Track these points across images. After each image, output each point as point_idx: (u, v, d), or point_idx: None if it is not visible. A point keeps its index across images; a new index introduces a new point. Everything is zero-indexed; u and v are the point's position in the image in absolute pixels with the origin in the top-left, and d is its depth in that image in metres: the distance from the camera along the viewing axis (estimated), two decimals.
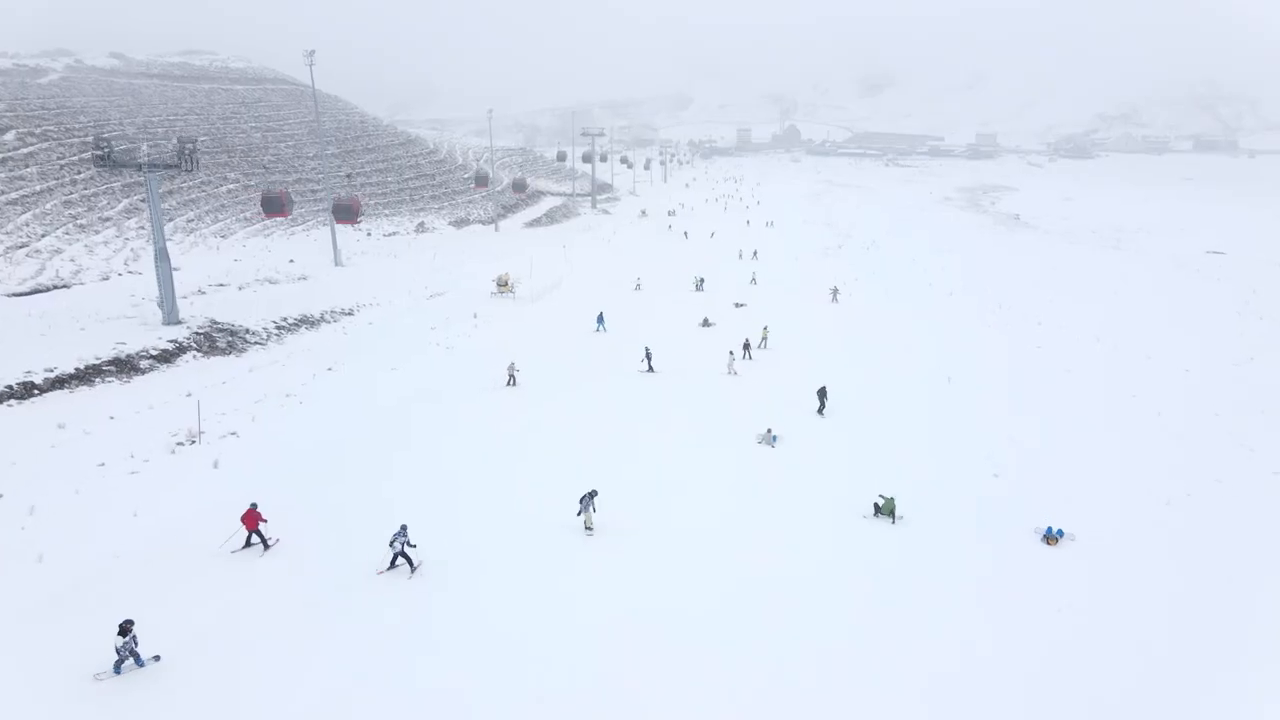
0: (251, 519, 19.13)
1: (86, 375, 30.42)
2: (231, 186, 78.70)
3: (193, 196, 72.86)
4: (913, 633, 16.82)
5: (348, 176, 67.41)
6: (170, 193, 70.20)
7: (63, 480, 21.63)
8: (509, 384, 33.34)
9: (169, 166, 36.56)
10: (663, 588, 18.26)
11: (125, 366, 32.00)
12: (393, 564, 18.40)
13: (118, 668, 14.23)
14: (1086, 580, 19.16)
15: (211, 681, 14.53)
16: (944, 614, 17.54)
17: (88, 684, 14.13)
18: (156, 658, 14.78)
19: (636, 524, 21.15)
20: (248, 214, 74.76)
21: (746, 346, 39.16)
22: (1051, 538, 20.68)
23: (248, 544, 19.29)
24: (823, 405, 31.23)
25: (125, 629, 14.09)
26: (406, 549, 18.32)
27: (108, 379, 30.83)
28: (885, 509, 21.76)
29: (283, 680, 14.67)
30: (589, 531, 20.60)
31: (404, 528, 18.47)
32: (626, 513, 21.60)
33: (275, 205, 53.08)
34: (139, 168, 35.57)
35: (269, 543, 19.40)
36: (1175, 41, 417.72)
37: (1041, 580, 19.04)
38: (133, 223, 60.49)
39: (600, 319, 44.81)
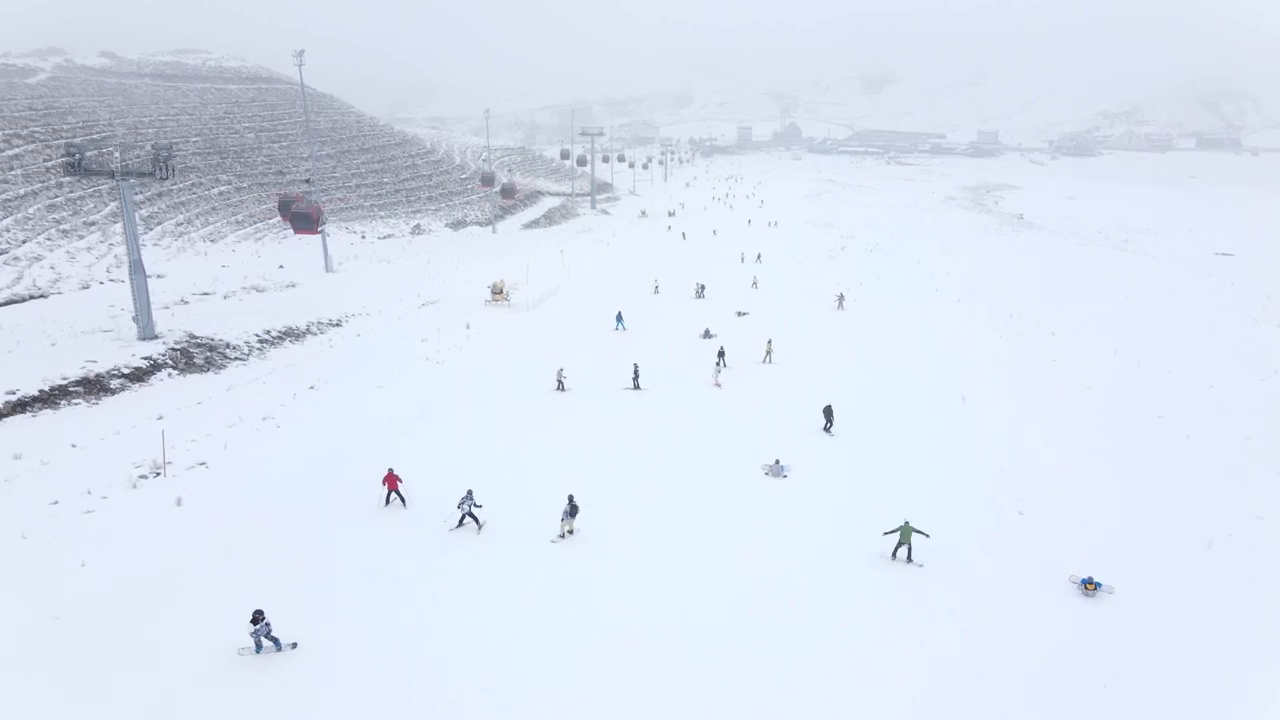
0: (391, 480, 21.68)
1: (51, 397, 28.63)
2: (223, 189, 76.93)
3: (183, 199, 71.13)
4: (937, 705, 15.13)
5: (307, 182, 66.11)
6: (159, 195, 68.49)
7: (10, 523, 19.88)
8: (558, 388, 33.71)
9: (143, 174, 34.79)
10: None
11: (94, 387, 30.23)
12: (460, 523, 20.70)
13: (258, 648, 15.57)
14: (1130, 644, 17.16)
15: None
16: (975, 682, 15.84)
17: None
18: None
19: (636, 562, 19.56)
20: (239, 217, 73.06)
21: (721, 354, 37.72)
22: (1090, 585, 18.79)
23: (387, 502, 21.76)
24: (829, 424, 29.68)
25: (257, 618, 15.27)
26: (473, 509, 20.60)
27: (74, 401, 29.07)
28: (904, 538, 20.04)
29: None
30: (570, 534, 20.73)
31: (470, 492, 20.72)
32: (626, 550, 20.06)
33: (289, 208, 51.74)
34: (112, 175, 33.70)
35: (407, 501, 21.73)
36: (1177, 39, 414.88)
37: (1081, 644, 17.11)
38: (119, 227, 58.60)
39: (619, 318, 45.96)
